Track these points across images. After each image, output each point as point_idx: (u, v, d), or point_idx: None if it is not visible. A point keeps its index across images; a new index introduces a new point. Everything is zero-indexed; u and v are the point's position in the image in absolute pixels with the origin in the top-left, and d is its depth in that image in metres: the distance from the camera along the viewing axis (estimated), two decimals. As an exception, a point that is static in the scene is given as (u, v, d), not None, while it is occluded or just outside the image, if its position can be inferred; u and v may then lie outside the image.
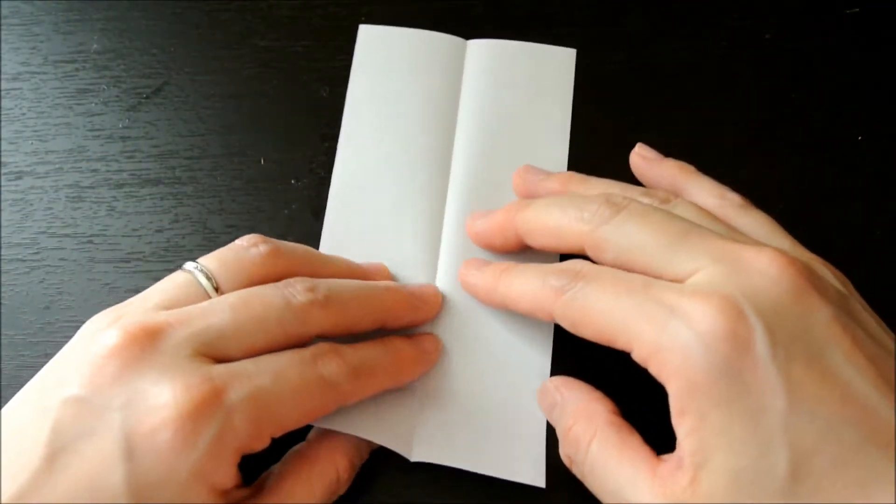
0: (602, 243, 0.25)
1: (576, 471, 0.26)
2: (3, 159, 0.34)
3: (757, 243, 0.25)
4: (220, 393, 0.23)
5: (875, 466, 0.21)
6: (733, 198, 0.29)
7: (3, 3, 0.37)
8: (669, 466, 0.23)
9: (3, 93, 0.36)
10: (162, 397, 0.23)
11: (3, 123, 0.35)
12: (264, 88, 0.35)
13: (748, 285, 0.22)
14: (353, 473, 0.28)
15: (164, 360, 0.23)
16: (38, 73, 0.36)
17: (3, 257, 0.33)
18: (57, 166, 0.34)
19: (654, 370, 0.23)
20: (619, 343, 0.24)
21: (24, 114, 0.35)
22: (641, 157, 0.32)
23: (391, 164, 0.33)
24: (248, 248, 0.27)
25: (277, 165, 0.34)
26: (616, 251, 0.25)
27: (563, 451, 0.27)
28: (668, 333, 0.22)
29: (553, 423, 0.28)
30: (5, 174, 0.34)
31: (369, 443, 0.28)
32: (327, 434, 0.27)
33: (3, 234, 0.33)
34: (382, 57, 0.35)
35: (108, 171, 0.34)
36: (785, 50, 0.36)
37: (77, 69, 0.36)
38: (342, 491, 0.27)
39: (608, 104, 0.35)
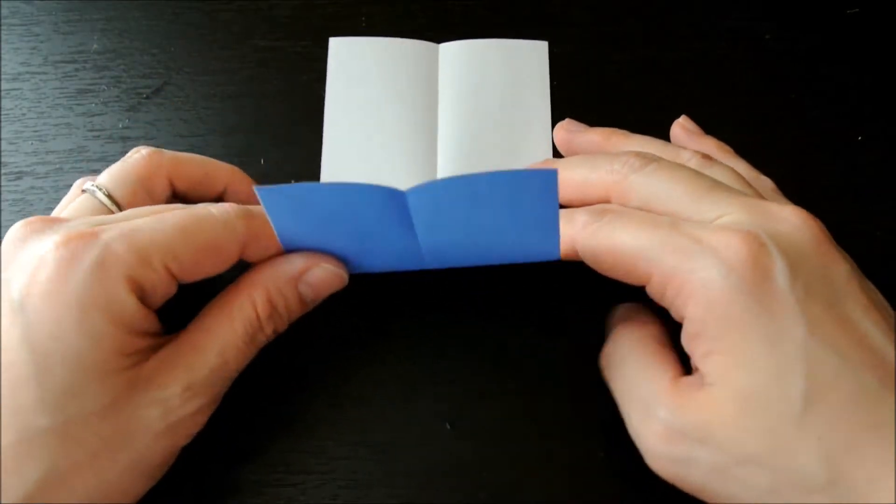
0: (629, 191, 0.26)
1: (603, 367, 0.28)
2: (3, 159, 0.34)
3: (784, 201, 0.26)
4: (96, 232, 0.23)
5: (890, 412, 0.21)
6: (766, 181, 0.29)
7: (3, 3, 0.37)
8: (689, 384, 0.23)
9: (3, 93, 0.36)
10: (45, 247, 0.23)
11: (3, 124, 0.35)
12: (264, 88, 0.35)
13: (773, 228, 0.23)
14: (275, 315, 0.27)
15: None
16: (38, 74, 0.36)
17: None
18: (57, 166, 0.34)
19: (670, 296, 0.24)
20: (639, 271, 0.24)
21: (24, 114, 0.35)
22: (683, 129, 0.32)
23: (376, 165, 0.33)
24: (131, 154, 0.29)
25: (277, 165, 0.34)
26: (643, 197, 0.26)
27: (602, 356, 0.28)
28: (692, 259, 0.23)
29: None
30: (5, 174, 0.34)
31: (292, 280, 0.27)
32: (247, 273, 0.27)
33: (3, 235, 0.33)
34: (356, 67, 0.35)
35: (108, 171, 0.34)
36: (785, 50, 0.36)
37: (77, 69, 0.36)
38: (265, 334, 0.27)
39: (608, 104, 0.35)
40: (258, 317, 0.26)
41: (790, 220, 0.23)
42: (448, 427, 0.29)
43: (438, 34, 0.36)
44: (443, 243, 0.27)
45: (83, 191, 0.28)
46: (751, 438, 0.22)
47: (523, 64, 0.35)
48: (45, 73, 0.36)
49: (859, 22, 0.36)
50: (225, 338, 0.25)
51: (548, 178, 0.23)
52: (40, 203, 0.33)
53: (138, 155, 0.28)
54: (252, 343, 0.26)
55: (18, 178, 0.34)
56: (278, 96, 0.35)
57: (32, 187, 0.34)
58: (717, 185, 0.25)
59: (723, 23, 0.37)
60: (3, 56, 0.36)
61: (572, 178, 0.28)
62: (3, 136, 0.35)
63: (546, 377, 0.30)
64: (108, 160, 0.34)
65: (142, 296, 0.24)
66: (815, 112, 0.35)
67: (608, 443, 0.29)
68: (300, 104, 0.35)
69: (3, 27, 0.37)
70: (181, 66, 0.36)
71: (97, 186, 0.27)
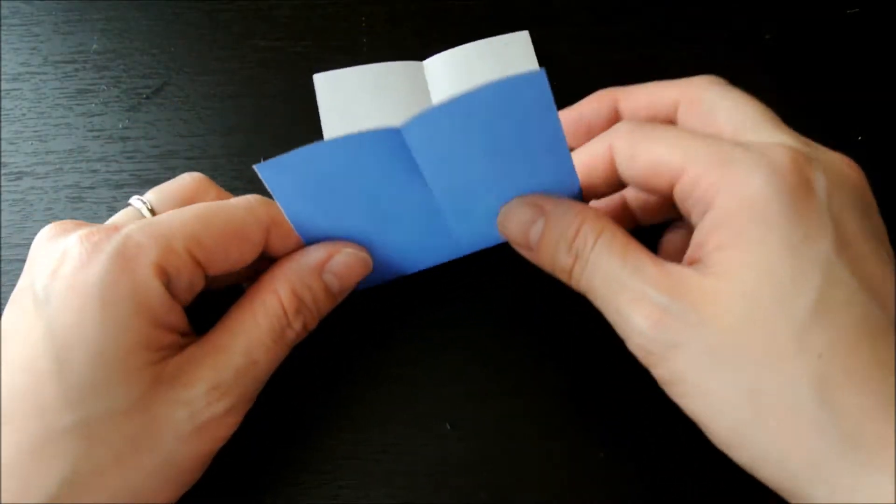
0: (699, 100, 0.26)
1: (577, 275, 0.25)
2: (3, 160, 0.34)
3: None
4: (118, 226, 0.24)
5: (892, 352, 0.20)
6: None
7: (3, 3, 0.37)
8: (682, 271, 0.23)
9: (3, 93, 0.36)
10: (69, 242, 0.23)
11: (3, 124, 0.35)
12: (264, 88, 0.35)
13: (821, 155, 0.23)
14: (303, 309, 0.26)
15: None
16: (38, 74, 0.36)
17: (3, 257, 0.33)
18: (57, 167, 0.34)
19: (697, 194, 0.23)
20: (672, 167, 0.24)
21: (24, 114, 0.35)
22: None
23: None
24: (183, 175, 0.28)
25: (277, 165, 0.34)
26: (709, 108, 0.25)
27: (563, 261, 0.25)
28: (736, 160, 0.22)
29: (536, 241, 0.26)
30: (5, 175, 0.34)
31: (316, 270, 0.27)
32: (268, 270, 0.27)
33: (3, 235, 0.33)
34: (345, 98, 0.35)
35: (108, 171, 0.34)
36: (785, 50, 0.36)
37: (77, 69, 0.36)
38: (294, 330, 0.26)
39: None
40: (284, 312, 0.26)
41: (839, 157, 0.24)
42: (448, 427, 0.29)
43: (439, 34, 0.36)
44: (456, 189, 0.26)
45: (129, 204, 0.27)
46: (749, 335, 0.21)
47: (510, 58, 0.35)
48: (44, 74, 0.36)
49: (859, 22, 0.36)
50: (250, 336, 0.25)
51: (536, 81, 0.22)
52: (40, 203, 0.33)
53: (189, 176, 0.28)
54: (281, 340, 0.26)
55: (18, 179, 0.34)
56: (278, 96, 0.35)
57: (32, 187, 0.34)
58: (778, 119, 0.25)
59: (723, 23, 0.37)
60: (3, 56, 0.36)
61: (640, 96, 0.27)
62: (3, 136, 0.35)
63: (546, 377, 0.30)
64: (108, 160, 0.34)
65: (167, 282, 0.23)
66: (814, 112, 0.35)
67: (608, 443, 0.29)
68: (300, 104, 0.35)
69: (3, 27, 0.37)
70: (181, 66, 0.36)
71: (142, 199, 0.27)
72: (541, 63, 0.36)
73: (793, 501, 0.21)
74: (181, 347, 0.24)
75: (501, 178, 0.26)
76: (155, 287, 0.23)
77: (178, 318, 0.24)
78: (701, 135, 0.24)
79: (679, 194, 0.24)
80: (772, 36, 0.36)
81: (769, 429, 0.21)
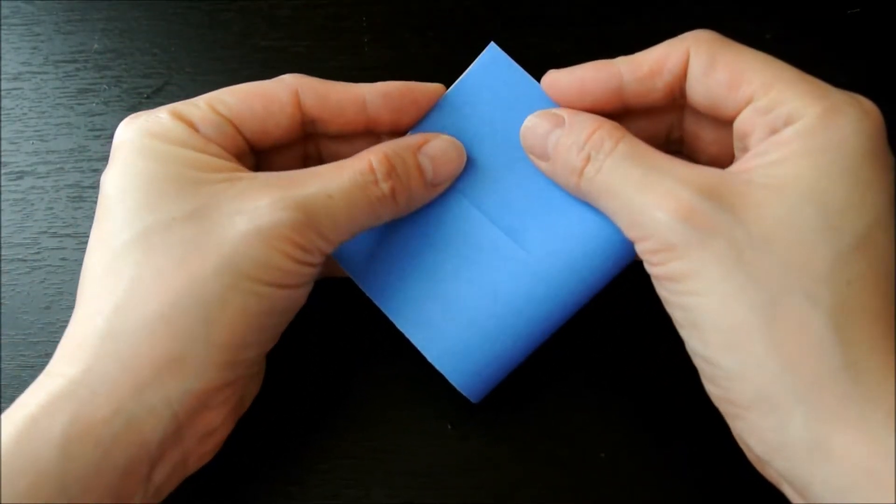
0: (716, 55, 0.25)
1: (589, 175, 0.24)
2: (3, 159, 0.34)
3: None
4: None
5: None
6: None
7: (3, 2, 0.37)
8: (724, 174, 0.23)
9: (3, 93, 0.36)
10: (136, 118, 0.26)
11: (4, 123, 0.35)
12: (265, 88, 0.35)
13: None
14: (393, 174, 0.26)
15: None
16: (39, 73, 0.36)
17: (3, 257, 0.33)
18: (58, 166, 0.34)
19: (779, 113, 0.23)
20: (755, 83, 0.23)
21: (24, 114, 0.35)
22: None
23: None
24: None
25: (278, 165, 0.34)
26: (732, 64, 0.25)
27: (573, 161, 0.25)
28: (825, 91, 0.23)
29: (552, 146, 0.26)
30: (6, 174, 0.34)
31: (411, 147, 0.27)
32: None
33: (3, 234, 0.33)
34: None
35: (108, 171, 0.34)
36: (785, 50, 0.36)
37: (78, 69, 0.36)
38: (381, 189, 0.25)
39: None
40: (372, 168, 0.25)
41: None
42: (449, 427, 0.29)
43: (439, 34, 0.36)
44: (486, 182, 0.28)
45: None
46: (785, 246, 0.21)
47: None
48: (45, 73, 0.36)
49: (859, 22, 0.36)
50: (331, 177, 0.25)
51: (492, 55, 0.27)
52: (41, 203, 0.33)
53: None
54: (362, 191, 0.25)
55: (19, 178, 0.34)
56: (279, 96, 0.35)
57: (33, 187, 0.34)
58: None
59: (723, 23, 0.36)
60: (3, 56, 0.36)
61: (643, 59, 0.26)
62: (3, 135, 0.35)
63: (546, 377, 0.30)
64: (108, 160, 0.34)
65: (191, 124, 0.25)
66: (815, 112, 0.35)
67: (608, 443, 0.29)
68: (301, 104, 0.35)
69: (3, 27, 0.37)
70: (182, 65, 0.36)
71: None
72: (541, 63, 0.36)
73: (766, 420, 0.21)
74: (245, 177, 0.25)
75: (519, 165, 0.28)
76: (172, 124, 0.25)
77: (217, 150, 0.25)
78: (779, 61, 0.24)
79: (750, 114, 0.23)
80: (772, 36, 0.36)
81: (774, 339, 0.21)
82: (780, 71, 0.23)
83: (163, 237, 0.23)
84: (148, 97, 0.35)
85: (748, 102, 0.23)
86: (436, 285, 0.27)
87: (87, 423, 0.22)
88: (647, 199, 0.23)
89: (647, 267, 0.24)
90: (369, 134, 0.28)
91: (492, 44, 0.27)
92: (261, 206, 0.24)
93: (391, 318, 0.28)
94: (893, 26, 0.36)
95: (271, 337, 0.26)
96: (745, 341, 0.21)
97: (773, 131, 0.23)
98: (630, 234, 0.24)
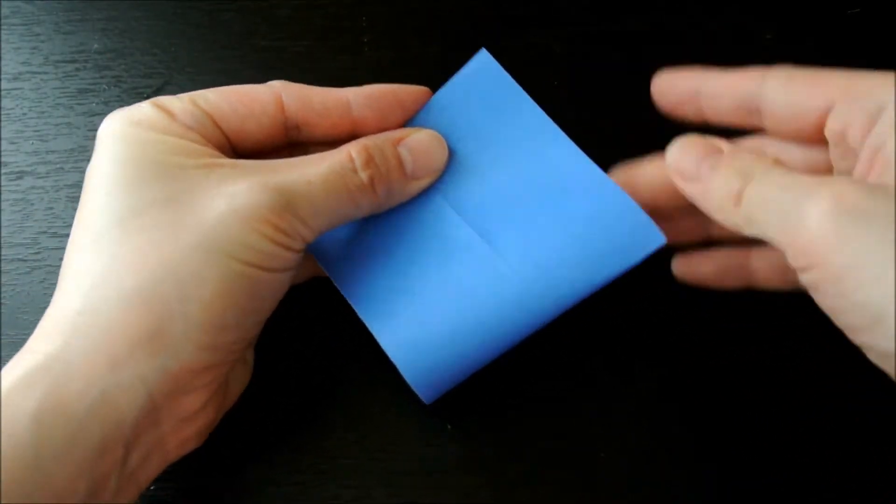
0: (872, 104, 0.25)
1: (748, 195, 0.23)
2: (3, 159, 0.34)
3: None
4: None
5: None
6: None
7: (3, 2, 0.37)
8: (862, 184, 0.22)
9: (3, 93, 0.36)
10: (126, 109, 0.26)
11: (3, 123, 0.35)
12: (265, 88, 0.35)
13: None
14: (371, 165, 0.26)
15: None
16: (39, 73, 0.36)
17: (3, 257, 0.33)
18: (58, 166, 0.34)
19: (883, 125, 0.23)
20: (832, 84, 0.25)
21: (24, 114, 0.35)
22: None
23: None
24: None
25: (278, 165, 0.34)
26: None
27: (732, 184, 0.24)
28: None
29: (707, 171, 0.25)
30: (6, 174, 0.34)
31: (390, 139, 0.27)
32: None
33: (3, 234, 0.33)
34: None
35: (108, 170, 0.34)
36: (785, 50, 0.36)
37: (78, 69, 0.36)
38: (360, 178, 0.26)
39: (608, 104, 0.35)
40: (351, 158, 0.26)
41: None
42: (449, 427, 0.29)
43: (439, 34, 0.36)
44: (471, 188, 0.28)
45: None
46: None
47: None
48: (45, 73, 0.36)
49: (859, 22, 0.36)
50: (311, 166, 0.25)
51: (481, 60, 0.27)
52: (41, 203, 0.33)
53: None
54: (340, 178, 0.25)
55: (19, 178, 0.34)
56: (279, 96, 0.35)
57: (33, 187, 0.34)
58: None
59: (723, 23, 0.37)
60: (3, 56, 0.36)
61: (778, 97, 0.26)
62: (3, 135, 0.35)
63: (546, 377, 0.30)
64: (108, 160, 0.34)
65: (170, 113, 0.26)
66: (815, 112, 0.35)
67: (608, 443, 0.29)
68: (301, 104, 0.35)
69: (3, 27, 0.37)
70: (182, 65, 0.36)
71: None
72: (542, 62, 0.36)
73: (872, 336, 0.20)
74: (226, 164, 0.25)
75: (508, 176, 0.28)
76: (152, 112, 0.25)
77: (197, 138, 0.25)
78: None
79: (843, 108, 0.24)
80: (772, 36, 0.36)
81: None
82: (848, 73, 0.24)
83: (142, 219, 0.24)
84: (148, 97, 0.35)
85: (831, 104, 0.24)
86: (403, 280, 0.27)
87: (61, 397, 0.22)
88: (801, 200, 0.22)
89: (810, 292, 0.22)
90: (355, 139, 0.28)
91: (482, 50, 0.28)
92: (240, 189, 0.24)
93: (353, 305, 0.28)
94: (893, 26, 0.36)
95: (253, 323, 0.26)
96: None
97: (871, 117, 0.23)
98: (783, 239, 0.22)
